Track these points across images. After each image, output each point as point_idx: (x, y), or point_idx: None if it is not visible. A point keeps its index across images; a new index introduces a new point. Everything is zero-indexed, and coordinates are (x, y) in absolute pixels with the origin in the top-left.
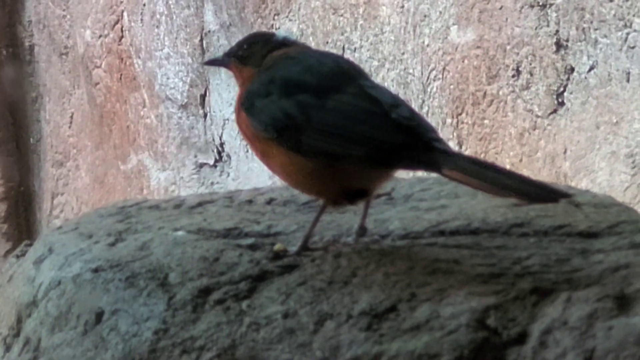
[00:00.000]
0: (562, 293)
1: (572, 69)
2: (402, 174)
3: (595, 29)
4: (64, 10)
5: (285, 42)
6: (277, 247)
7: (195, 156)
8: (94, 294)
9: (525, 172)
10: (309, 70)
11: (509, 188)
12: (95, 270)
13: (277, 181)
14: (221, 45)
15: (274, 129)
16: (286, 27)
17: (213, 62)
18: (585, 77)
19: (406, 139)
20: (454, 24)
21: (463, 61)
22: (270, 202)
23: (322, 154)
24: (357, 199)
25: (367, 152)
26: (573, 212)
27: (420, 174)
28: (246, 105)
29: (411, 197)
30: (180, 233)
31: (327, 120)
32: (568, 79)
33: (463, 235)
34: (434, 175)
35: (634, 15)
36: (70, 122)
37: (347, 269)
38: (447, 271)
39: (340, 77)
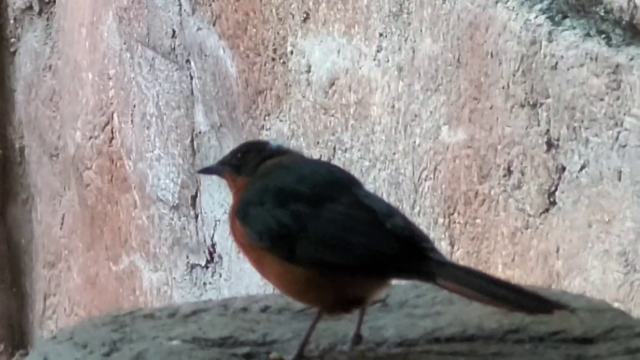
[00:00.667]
0: None
1: (564, 168)
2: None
3: (586, 128)
4: (54, 111)
5: (279, 151)
6: (273, 355)
7: (187, 257)
8: None
9: (517, 271)
10: (303, 180)
11: (503, 299)
12: None
13: (268, 284)
14: (212, 145)
15: (269, 239)
16: (276, 138)
17: (207, 171)
18: (577, 176)
19: (401, 249)
20: (444, 124)
21: (454, 161)
22: (265, 309)
23: (317, 264)
24: (353, 308)
25: (362, 262)
26: (568, 318)
27: None
28: (241, 215)
29: (406, 303)
30: (175, 342)
31: (322, 230)
32: (559, 178)
33: (459, 342)
34: None
35: (624, 114)
36: (62, 223)
37: None
38: None
39: (334, 186)
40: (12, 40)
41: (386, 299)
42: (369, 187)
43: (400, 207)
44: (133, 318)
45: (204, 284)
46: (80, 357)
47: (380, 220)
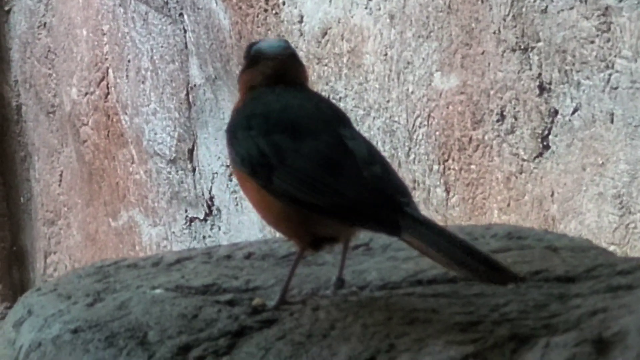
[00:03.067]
0: (540, 339)
1: (556, 112)
2: None
3: (578, 71)
4: (49, 69)
5: (263, 55)
6: (256, 301)
7: (186, 211)
8: (74, 355)
9: (513, 216)
10: (289, 110)
11: (462, 265)
12: (75, 331)
13: (267, 235)
14: (207, 98)
15: (249, 165)
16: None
17: None
18: (570, 120)
19: (372, 198)
20: (437, 71)
21: (448, 107)
22: (248, 256)
23: (290, 198)
24: (326, 245)
25: (330, 205)
26: (550, 257)
27: None
28: (229, 137)
29: (389, 247)
30: (158, 291)
31: (298, 165)
32: (552, 122)
33: (441, 284)
34: None
35: (615, 56)
36: (60, 181)
37: (326, 322)
38: (426, 320)
39: (319, 122)
40: None
41: (369, 242)
42: (364, 135)
43: (395, 155)
44: (117, 268)
45: (203, 237)
46: (64, 308)
47: (357, 166)
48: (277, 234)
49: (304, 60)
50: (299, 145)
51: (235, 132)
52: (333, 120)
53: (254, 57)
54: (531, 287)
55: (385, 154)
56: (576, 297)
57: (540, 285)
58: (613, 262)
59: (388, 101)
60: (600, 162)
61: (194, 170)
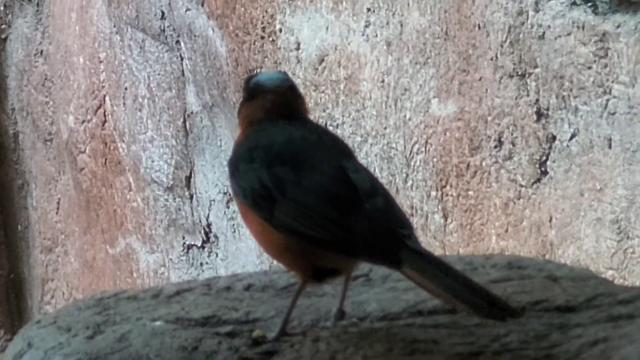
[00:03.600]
0: None
1: (554, 138)
2: None
3: (575, 97)
4: (46, 96)
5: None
6: (256, 333)
7: (183, 238)
8: None
9: (511, 242)
10: (292, 143)
11: (462, 300)
12: None
13: (265, 261)
14: (204, 126)
15: (251, 197)
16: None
17: None
18: (567, 145)
19: (372, 231)
20: (434, 97)
21: (445, 133)
22: (248, 288)
23: (291, 231)
24: (329, 278)
25: (331, 238)
26: (551, 287)
27: None
28: (231, 169)
29: (389, 277)
30: (158, 323)
31: (300, 198)
32: (550, 147)
33: (441, 315)
34: None
35: (613, 82)
36: (58, 208)
37: (326, 353)
38: (426, 351)
39: (322, 154)
40: (3, 26)
41: (369, 273)
42: (362, 162)
43: (392, 182)
44: (117, 300)
45: (201, 264)
46: (64, 341)
47: (360, 199)
48: (277, 264)
49: (301, 88)
50: (300, 178)
51: (237, 165)
52: (335, 152)
53: (252, 90)
54: (532, 317)
55: (383, 181)
56: (577, 327)
57: (540, 315)
58: (614, 292)
59: (385, 128)
60: (599, 187)
61: (191, 197)
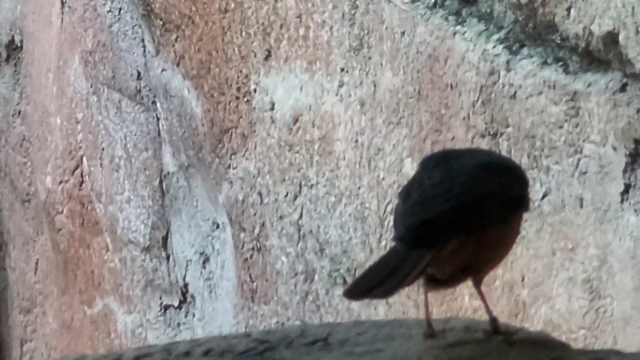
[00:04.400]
0: None
1: (529, 199)
2: (341, 316)
3: (547, 156)
4: (24, 157)
5: None
6: None
7: (161, 298)
8: None
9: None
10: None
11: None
12: None
13: (241, 321)
14: (180, 186)
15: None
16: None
17: None
18: (539, 205)
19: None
20: (407, 157)
21: None
22: (207, 353)
23: None
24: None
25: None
26: (507, 352)
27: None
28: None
29: (347, 341)
30: None
31: None
32: None
33: None
34: (365, 317)
35: (584, 141)
36: (36, 269)
37: None
38: None
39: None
40: None
41: (327, 337)
42: (336, 222)
43: (366, 242)
44: None
45: (178, 324)
46: None
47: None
48: (237, 329)
49: (275, 148)
50: None
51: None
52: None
53: None
54: None
55: (357, 241)
56: None
57: None
58: (569, 356)
59: (359, 188)
60: (570, 246)
61: (168, 257)
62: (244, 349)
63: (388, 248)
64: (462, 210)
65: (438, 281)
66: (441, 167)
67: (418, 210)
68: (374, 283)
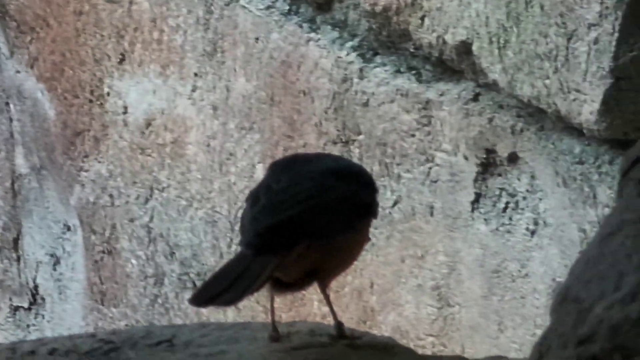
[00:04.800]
0: None
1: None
2: (190, 319)
3: (398, 164)
4: None
5: None
6: None
7: (10, 299)
8: None
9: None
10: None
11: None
12: None
13: (90, 323)
14: (32, 188)
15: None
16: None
17: None
18: (390, 212)
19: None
20: (259, 162)
21: None
22: (52, 352)
23: None
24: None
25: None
26: (349, 356)
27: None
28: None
29: (191, 343)
30: None
31: None
32: None
33: None
34: (214, 320)
35: (435, 150)
36: None
37: None
38: None
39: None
40: None
41: (172, 338)
42: (186, 225)
43: (216, 246)
44: None
45: (27, 325)
46: None
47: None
48: (86, 331)
49: (127, 152)
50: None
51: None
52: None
53: None
54: None
55: (207, 245)
56: None
57: None
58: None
59: (210, 192)
60: (420, 254)
61: (18, 259)
62: (89, 349)
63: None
64: (309, 216)
65: (284, 285)
66: (289, 171)
67: (265, 215)
68: (220, 290)
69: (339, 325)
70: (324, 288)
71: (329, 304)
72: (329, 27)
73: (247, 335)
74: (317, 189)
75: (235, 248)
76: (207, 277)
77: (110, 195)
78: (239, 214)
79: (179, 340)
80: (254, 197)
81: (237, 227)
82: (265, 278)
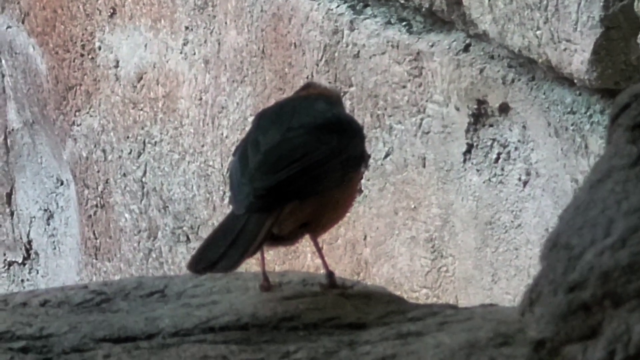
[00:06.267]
0: None
1: (369, 156)
2: (182, 270)
3: (390, 116)
4: None
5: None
6: None
7: (4, 254)
8: None
9: (327, 259)
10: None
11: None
12: None
13: (85, 278)
14: (25, 143)
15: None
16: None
17: None
18: (382, 164)
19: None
20: (251, 115)
21: None
22: (44, 304)
23: None
24: None
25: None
26: (343, 304)
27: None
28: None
29: (184, 293)
30: None
31: None
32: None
33: (233, 331)
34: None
35: (426, 101)
36: None
37: None
38: None
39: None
40: None
41: (164, 289)
42: (179, 179)
43: (210, 199)
44: None
45: (22, 280)
46: None
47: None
48: (79, 281)
49: (120, 105)
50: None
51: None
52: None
53: None
54: (322, 334)
55: (200, 199)
56: (366, 344)
57: (331, 332)
58: (404, 309)
59: (203, 145)
60: (413, 206)
61: (12, 214)
62: (81, 300)
63: (231, 207)
64: (305, 176)
65: (277, 238)
66: (278, 124)
67: (262, 174)
68: (217, 255)
69: (330, 274)
70: (315, 239)
71: (321, 254)
72: None
73: (239, 286)
74: (310, 146)
75: (228, 202)
76: (203, 241)
77: (103, 150)
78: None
79: (170, 291)
80: (242, 152)
81: (229, 181)
82: (261, 239)
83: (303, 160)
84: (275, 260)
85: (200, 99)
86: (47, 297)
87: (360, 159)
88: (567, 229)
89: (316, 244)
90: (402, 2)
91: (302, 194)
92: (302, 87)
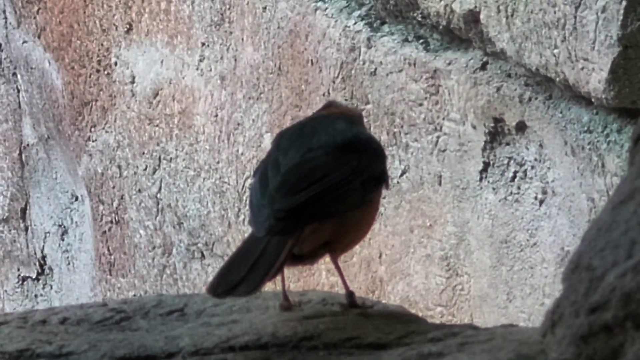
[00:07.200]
0: None
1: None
2: (199, 290)
3: (406, 133)
4: None
5: None
6: None
7: (18, 269)
8: None
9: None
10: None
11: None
12: None
13: (98, 294)
14: (40, 158)
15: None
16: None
17: None
18: (398, 182)
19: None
20: (267, 132)
21: None
22: (64, 321)
23: None
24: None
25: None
26: (363, 324)
27: None
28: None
29: (203, 312)
30: None
31: None
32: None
33: (253, 350)
34: None
35: (443, 119)
36: None
37: None
38: None
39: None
40: None
41: (184, 308)
42: (194, 196)
43: (225, 216)
44: None
45: (35, 296)
46: None
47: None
48: (95, 299)
49: (135, 122)
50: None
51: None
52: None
53: None
54: (342, 354)
55: (215, 215)
56: None
57: (351, 352)
58: (425, 330)
59: (218, 162)
60: (428, 224)
61: (26, 229)
62: (101, 318)
63: (246, 222)
64: (325, 197)
65: (297, 257)
66: (298, 144)
67: (282, 195)
68: (238, 279)
69: (350, 294)
70: (336, 260)
71: (341, 273)
72: None
73: (259, 305)
74: (331, 166)
75: (244, 218)
76: (223, 263)
77: (119, 166)
78: (247, 184)
79: (190, 310)
80: (262, 173)
81: (245, 197)
82: (282, 262)
83: (323, 182)
84: (291, 277)
85: (216, 115)
86: (66, 315)
87: (381, 179)
88: (589, 250)
89: (336, 264)
90: (420, 19)
91: (322, 215)
92: (323, 107)
